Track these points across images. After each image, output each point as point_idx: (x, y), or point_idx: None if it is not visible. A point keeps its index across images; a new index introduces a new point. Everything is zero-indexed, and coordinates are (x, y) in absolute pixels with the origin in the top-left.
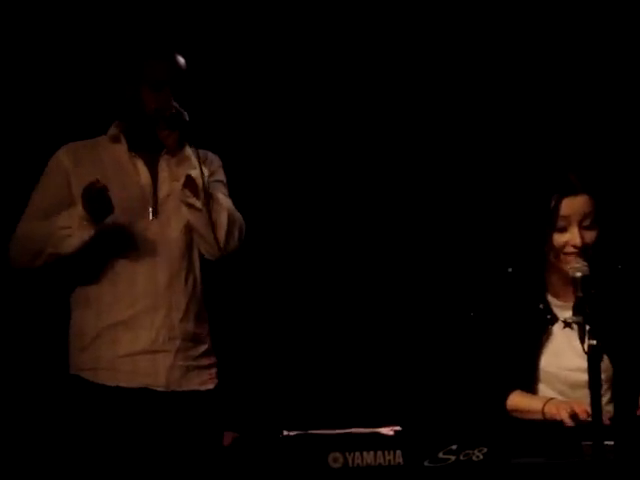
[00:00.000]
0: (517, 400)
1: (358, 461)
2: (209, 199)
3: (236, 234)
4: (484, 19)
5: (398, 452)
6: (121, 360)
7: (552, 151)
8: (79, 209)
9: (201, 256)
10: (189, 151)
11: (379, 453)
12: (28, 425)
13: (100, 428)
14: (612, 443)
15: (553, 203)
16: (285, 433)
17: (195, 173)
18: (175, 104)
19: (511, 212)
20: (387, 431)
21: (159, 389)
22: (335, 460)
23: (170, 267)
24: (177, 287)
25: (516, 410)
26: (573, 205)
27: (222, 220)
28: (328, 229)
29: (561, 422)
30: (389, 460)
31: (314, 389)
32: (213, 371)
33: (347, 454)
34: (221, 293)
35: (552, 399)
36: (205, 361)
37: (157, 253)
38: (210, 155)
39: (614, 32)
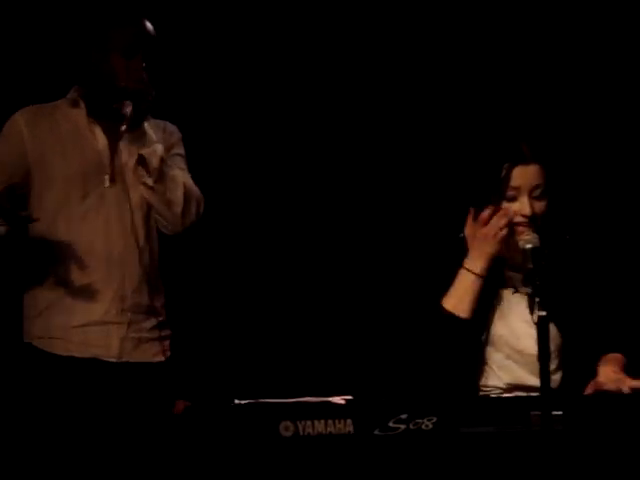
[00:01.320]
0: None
1: (309, 430)
2: (163, 177)
3: (193, 210)
4: None
5: (349, 421)
6: (74, 330)
7: (504, 120)
8: None
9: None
10: (145, 128)
11: (330, 422)
12: None
13: (52, 397)
14: (560, 413)
15: (504, 172)
16: (236, 402)
17: (147, 152)
18: (144, 77)
19: (462, 180)
20: (338, 400)
21: (111, 360)
22: (286, 429)
23: (125, 238)
24: (131, 259)
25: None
26: (524, 175)
27: (178, 197)
28: (282, 200)
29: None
30: (340, 429)
31: (266, 358)
32: (166, 343)
33: (298, 423)
34: (176, 264)
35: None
36: (158, 333)
37: (112, 223)
38: (169, 127)
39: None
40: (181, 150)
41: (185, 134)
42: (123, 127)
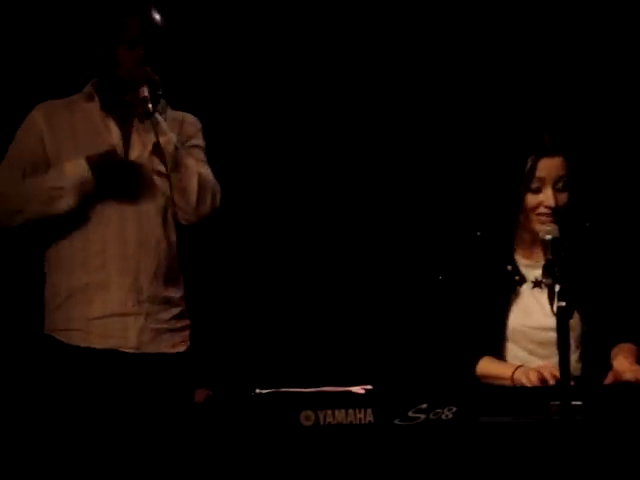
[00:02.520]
0: (486, 366)
1: (329, 419)
2: (178, 166)
3: (208, 200)
4: None
5: (369, 410)
6: (93, 322)
7: (528, 112)
8: (81, 169)
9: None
10: (158, 118)
11: (350, 411)
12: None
13: (72, 388)
14: (579, 403)
15: (529, 164)
16: (257, 391)
17: (163, 140)
18: (148, 70)
19: (484, 173)
20: (358, 390)
21: (129, 351)
22: (307, 418)
23: (140, 230)
24: (147, 250)
25: (486, 376)
26: (549, 166)
27: (192, 186)
28: (299, 192)
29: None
30: (360, 418)
31: (287, 348)
32: (185, 334)
33: (319, 412)
34: (197, 255)
35: (521, 366)
36: (177, 324)
37: (128, 215)
38: (189, 118)
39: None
40: (200, 141)
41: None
42: (144, 94)
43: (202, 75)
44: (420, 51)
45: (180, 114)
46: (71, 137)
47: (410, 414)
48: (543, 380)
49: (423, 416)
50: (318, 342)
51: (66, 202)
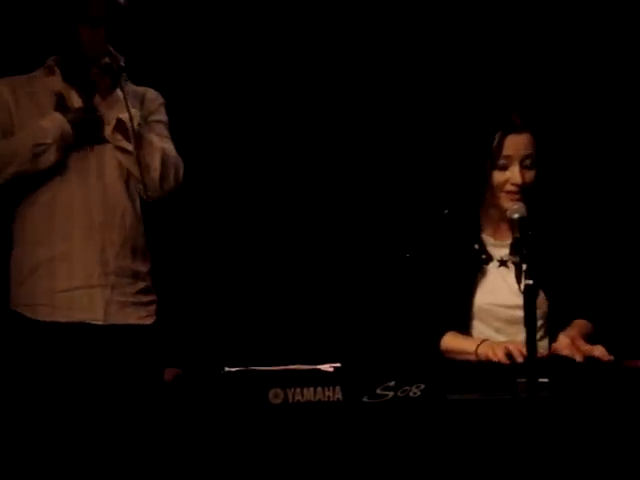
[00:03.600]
0: (450, 341)
1: (298, 397)
2: (141, 142)
3: (171, 176)
4: None
5: (337, 388)
6: (58, 296)
7: (496, 89)
8: (60, 121)
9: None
10: (119, 94)
11: (319, 389)
12: None
13: (40, 364)
14: (546, 380)
15: (496, 140)
16: (226, 369)
17: (125, 116)
18: (110, 49)
19: (450, 150)
20: (327, 368)
21: (97, 323)
22: (275, 396)
23: (106, 202)
24: (113, 223)
25: (449, 351)
26: (516, 143)
27: (155, 162)
28: (266, 164)
29: (496, 363)
30: (328, 396)
31: (255, 326)
32: (152, 308)
33: (287, 390)
34: (164, 230)
35: (485, 340)
36: (143, 298)
37: (93, 187)
38: (151, 93)
39: None
40: (162, 117)
41: (186, 124)
42: (105, 61)
43: (201, 64)
44: (388, 25)
45: (141, 89)
46: (34, 109)
47: (378, 391)
48: (509, 356)
49: (391, 393)
50: (287, 320)
51: (50, 157)
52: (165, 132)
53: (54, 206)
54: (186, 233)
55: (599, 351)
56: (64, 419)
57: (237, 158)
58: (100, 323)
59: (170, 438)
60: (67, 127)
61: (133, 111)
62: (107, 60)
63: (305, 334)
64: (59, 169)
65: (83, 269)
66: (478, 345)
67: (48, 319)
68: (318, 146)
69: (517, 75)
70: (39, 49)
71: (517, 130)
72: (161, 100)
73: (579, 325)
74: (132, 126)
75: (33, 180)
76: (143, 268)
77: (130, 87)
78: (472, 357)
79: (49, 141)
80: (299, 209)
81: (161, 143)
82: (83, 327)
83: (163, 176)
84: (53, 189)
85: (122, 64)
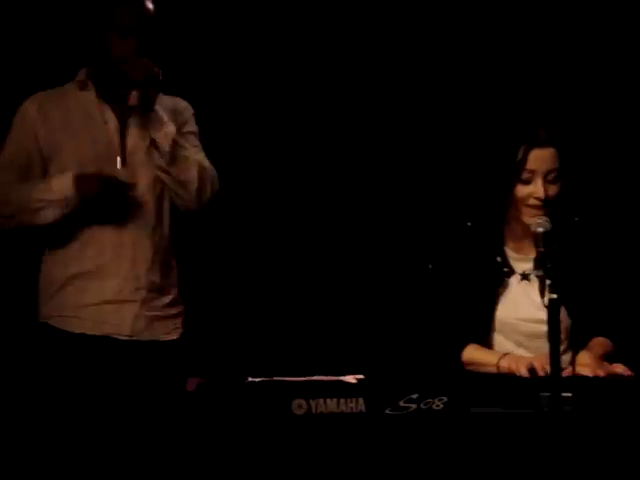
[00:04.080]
0: (472, 353)
1: (321, 408)
2: (176, 159)
3: (208, 188)
4: None
5: (360, 400)
6: (87, 309)
7: (522, 103)
8: (66, 187)
9: (171, 207)
10: (155, 114)
11: (342, 400)
12: None
13: (66, 374)
14: (569, 394)
15: (521, 154)
16: (250, 379)
17: (159, 136)
18: (147, 63)
19: (476, 163)
20: (350, 379)
21: (123, 338)
22: (299, 407)
23: (137, 218)
24: (144, 238)
25: (471, 363)
26: (540, 157)
27: (192, 177)
28: (289, 180)
29: (518, 377)
30: (351, 407)
31: (279, 336)
32: (178, 320)
33: (310, 401)
34: (190, 241)
35: (507, 354)
36: (171, 311)
37: (124, 203)
38: (181, 104)
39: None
40: (193, 127)
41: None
42: (132, 102)
43: (205, 67)
44: (414, 40)
45: (171, 100)
46: (66, 127)
47: (401, 404)
48: (532, 370)
49: (414, 406)
50: (310, 331)
51: (50, 214)
52: (197, 142)
53: (85, 223)
54: (211, 243)
55: (621, 369)
56: (88, 429)
57: (257, 168)
58: (126, 338)
59: (193, 448)
60: (71, 193)
61: (169, 128)
62: (134, 102)
63: (329, 345)
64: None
65: (113, 284)
66: (500, 358)
67: (76, 330)
68: (341, 157)
69: (544, 89)
70: (70, 61)
71: (542, 144)
72: (191, 110)
73: (600, 343)
74: (167, 147)
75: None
76: (170, 281)
77: (160, 97)
78: (493, 369)
79: (50, 198)
80: (325, 221)
81: (196, 156)
82: (110, 340)
83: (201, 189)
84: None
85: (158, 86)
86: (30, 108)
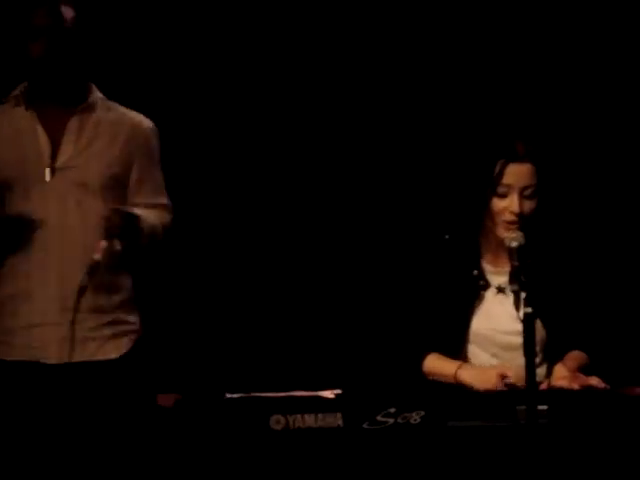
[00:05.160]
0: (432, 363)
1: (299, 423)
2: (149, 246)
3: (160, 238)
4: None
5: (338, 414)
6: (18, 333)
7: (501, 117)
8: None
9: None
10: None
11: (320, 415)
12: None
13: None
14: (545, 407)
15: (498, 168)
16: (228, 395)
17: (99, 258)
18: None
19: (453, 175)
20: (327, 394)
21: (50, 362)
22: (277, 422)
23: (65, 236)
24: (73, 258)
25: (431, 373)
26: (517, 172)
27: (157, 244)
28: (265, 194)
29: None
30: (329, 422)
31: (256, 352)
32: (122, 341)
33: (288, 416)
34: (164, 253)
35: (464, 364)
36: (108, 331)
37: (52, 221)
38: (142, 122)
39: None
40: (157, 154)
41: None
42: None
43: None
44: (400, 53)
45: (133, 115)
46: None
47: (379, 418)
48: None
49: (391, 420)
50: (287, 346)
51: None
52: (158, 174)
53: (14, 242)
54: (186, 257)
55: (595, 382)
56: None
57: (236, 175)
58: (53, 362)
59: (170, 465)
60: None
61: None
62: (98, 258)
63: (306, 360)
64: (21, 205)
65: (40, 306)
66: (458, 368)
67: (8, 357)
68: (315, 172)
69: (523, 104)
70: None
71: (519, 159)
72: (154, 133)
73: (575, 357)
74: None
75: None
76: (110, 301)
77: (117, 109)
78: (451, 380)
79: None
80: (297, 231)
81: (160, 219)
82: (38, 366)
83: (153, 243)
84: (13, 224)
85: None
86: None
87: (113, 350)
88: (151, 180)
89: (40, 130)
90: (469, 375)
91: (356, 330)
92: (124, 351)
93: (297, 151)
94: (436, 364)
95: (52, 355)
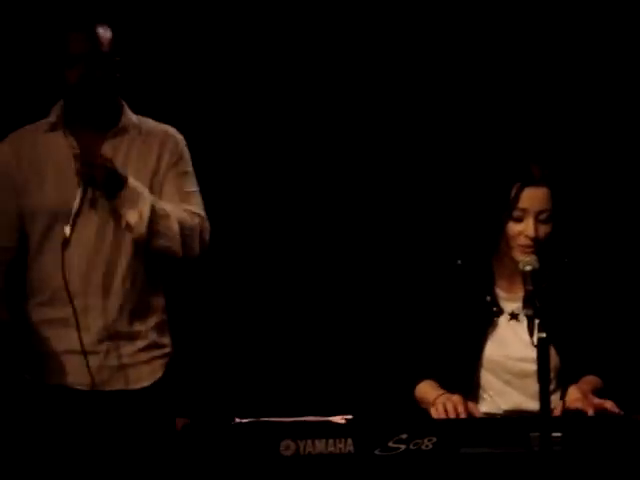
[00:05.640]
0: (420, 390)
1: (310, 449)
2: (157, 233)
3: (195, 245)
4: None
5: (349, 440)
6: (55, 358)
7: (517, 141)
8: None
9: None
10: (127, 188)
11: (330, 441)
12: None
13: (39, 426)
14: (559, 434)
15: (514, 192)
16: (237, 420)
17: (134, 220)
18: (85, 166)
19: (467, 199)
20: (338, 419)
21: (84, 388)
22: (287, 447)
23: (105, 265)
24: (113, 286)
25: (419, 400)
26: (533, 196)
27: (175, 243)
28: (282, 206)
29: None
30: (340, 448)
31: (267, 376)
32: (155, 365)
33: (299, 442)
34: (176, 281)
35: (443, 394)
36: (143, 357)
37: (93, 250)
38: (170, 139)
39: (577, 29)
40: (187, 166)
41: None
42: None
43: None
44: (414, 74)
45: (160, 130)
46: (36, 173)
47: (390, 444)
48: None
49: (403, 446)
50: (298, 371)
51: None
52: (190, 186)
53: (57, 268)
54: (196, 283)
55: (610, 405)
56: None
57: (249, 200)
58: (88, 389)
59: None
60: None
61: (144, 206)
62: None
63: (317, 385)
64: (60, 234)
65: (76, 334)
66: (437, 397)
67: (43, 382)
68: (327, 192)
69: (538, 128)
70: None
71: (535, 183)
72: (183, 143)
73: (589, 380)
74: (142, 230)
75: (35, 249)
76: (144, 326)
77: (148, 123)
78: (431, 407)
79: None
80: (309, 253)
81: (181, 214)
82: (74, 392)
83: (185, 249)
84: (54, 254)
85: (106, 168)
86: (6, 150)
87: (148, 376)
88: (180, 191)
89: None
90: (443, 403)
91: (367, 355)
92: (158, 376)
93: (308, 178)
94: (422, 390)
95: (88, 382)
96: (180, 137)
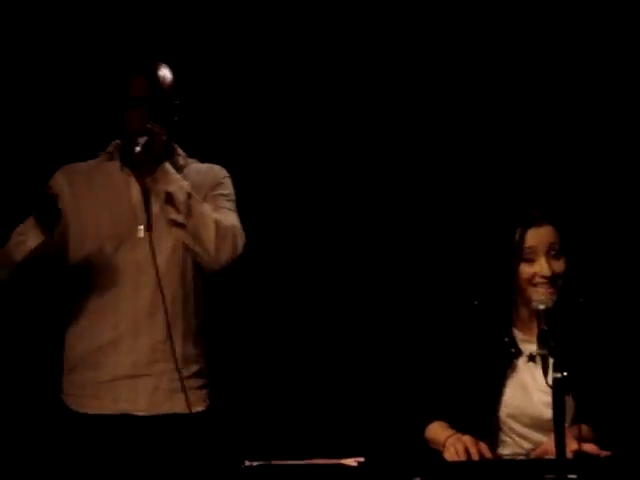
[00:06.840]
0: (430, 431)
1: None
2: (192, 212)
3: (228, 247)
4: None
5: None
6: (104, 386)
7: (513, 184)
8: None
9: (201, 276)
10: (166, 167)
11: None
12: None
13: (84, 458)
14: (574, 477)
15: (518, 236)
16: (247, 463)
17: (173, 188)
18: (149, 125)
19: (477, 246)
20: (350, 462)
21: (139, 414)
22: None
23: (155, 288)
24: (161, 308)
25: (428, 440)
26: (538, 235)
27: (208, 234)
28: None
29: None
30: None
31: (277, 419)
32: (204, 392)
33: None
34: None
35: (455, 434)
36: (195, 383)
37: (142, 273)
38: (214, 168)
39: (574, 71)
40: (225, 190)
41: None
42: (137, 149)
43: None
44: (413, 114)
45: (206, 166)
46: (91, 199)
47: None
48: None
49: None
50: (309, 413)
51: (24, 247)
52: (227, 204)
53: (104, 293)
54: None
55: (589, 448)
56: None
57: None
58: (143, 414)
59: None
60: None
61: (182, 183)
62: (138, 149)
63: (328, 427)
64: (110, 259)
65: (129, 358)
66: (447, 438)
67: (93, 412)
68: (342, 233)
69: (539, 171)
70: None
71: (537, 223)
72: (224, 174)
73: (578, 428)
74: (182, 198)
75: (84, 271)
76: (195, 351)
77: (194, 165)
78: (442, 448)
79: (28, 225)
80: (326, 296)
81: (215, 214)
82: (126, 418)
83: (218, 247)
84: (104, 276)
85: (164, 138)
86: (61, 179)
87: (199, 402)
88: (217, 206)
89: (134, 183)
90: (454, 445)
91: (380, 395)
92: (208, 403)
93: (325, 218)
94: (432, 432)
95: (142, 408)
96: (224, 172)
